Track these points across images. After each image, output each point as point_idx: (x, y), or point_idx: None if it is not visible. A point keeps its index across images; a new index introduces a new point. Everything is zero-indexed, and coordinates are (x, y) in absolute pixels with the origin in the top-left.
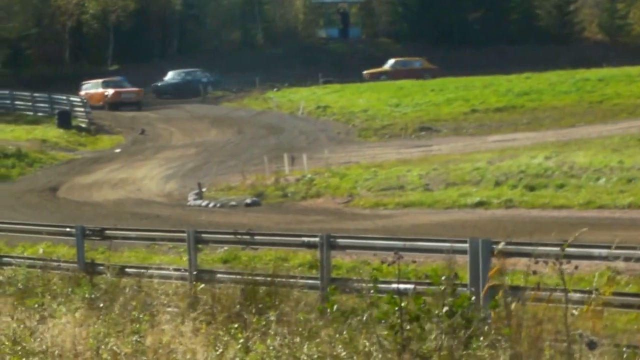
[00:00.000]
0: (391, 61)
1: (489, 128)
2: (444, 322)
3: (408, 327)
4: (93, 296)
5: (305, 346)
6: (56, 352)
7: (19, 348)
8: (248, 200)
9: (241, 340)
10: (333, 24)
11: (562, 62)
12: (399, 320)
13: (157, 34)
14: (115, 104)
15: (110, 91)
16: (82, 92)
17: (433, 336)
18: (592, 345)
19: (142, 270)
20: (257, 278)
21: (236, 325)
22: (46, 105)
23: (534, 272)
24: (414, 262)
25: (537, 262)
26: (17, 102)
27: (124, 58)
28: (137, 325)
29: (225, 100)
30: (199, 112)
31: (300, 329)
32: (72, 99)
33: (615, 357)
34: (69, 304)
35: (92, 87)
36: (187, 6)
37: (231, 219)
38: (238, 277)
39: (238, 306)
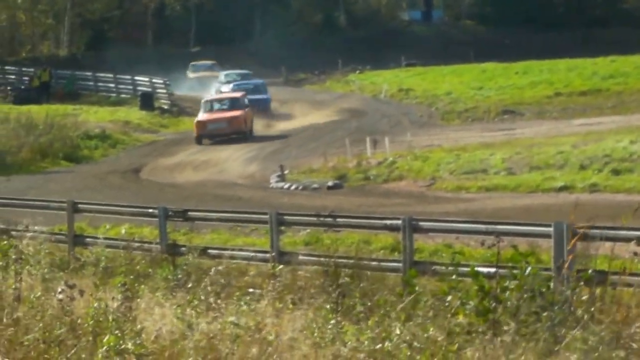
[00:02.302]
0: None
1: (573, 112)
2: (527, 303)
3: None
4: (176, 277)
5: (398, 328)
6: (148, 332)
7: (115, 328)
8: (330, 183)
9: (332, 322)
10: (416, 6)
11: None
12: (486, 303)
13: (240, 16)
14: (199, 137)
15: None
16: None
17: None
18: None
19: (225, 252)
20: (340, 260)
21: (328, 307)
22: (129, 87)
23: (635, 254)
24: (514, 246)
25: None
26: (100, 84)
27: (206, 40)
28: (230, 307)
29: (308, 83)
30: (281, 94)
31: (383, 311)
32: (154, 80)
33: None
34: (151, 285)
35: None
36: None
37: (313, 201)
38: (320, 259)
39: (323, 288)
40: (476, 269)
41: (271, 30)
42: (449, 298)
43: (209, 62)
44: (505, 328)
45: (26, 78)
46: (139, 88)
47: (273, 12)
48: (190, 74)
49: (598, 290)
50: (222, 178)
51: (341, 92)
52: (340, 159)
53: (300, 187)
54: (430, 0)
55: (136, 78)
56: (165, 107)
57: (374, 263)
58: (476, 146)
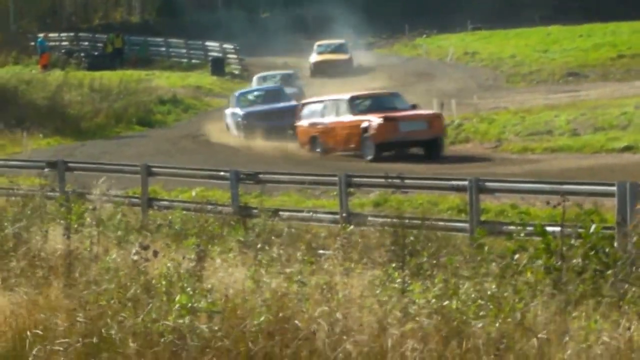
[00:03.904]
0: None
1: (637, 73)
2: (591, 261)
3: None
4: (247, 238)
5: (465, 285)
6: (219, 291)
7: (186, 286)
8: None
9: (398, 280)
10: None
11: None
12: (553, 261)
13: None
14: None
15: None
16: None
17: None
18: None
19: (297, 211)
20: (408, 221)
21: (394, 265)
22: (200, 52)
23: None
24: (579, 205)
25: None
26: (171, 50)
27: (276, 5)
28: (299, 266)
29: (376, 47)
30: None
31: (451, 269)
32: (225, 46)
33: None
34: (223, 246)
35: None
36: None
37: (381, 164)
38: (388, 220)
39: (390, 248)
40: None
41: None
42: (517, 257)
43: (337, 42)
44: (570, 286)
45: (99, 44)
46: (210, 53)
47: None
48: (314, 57)
49: None
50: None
51: (409, 55)
52: None
53: None
54: None
55: (207, 43)
56: (236, 72)
57: (441, 223)
58: (541, 108)
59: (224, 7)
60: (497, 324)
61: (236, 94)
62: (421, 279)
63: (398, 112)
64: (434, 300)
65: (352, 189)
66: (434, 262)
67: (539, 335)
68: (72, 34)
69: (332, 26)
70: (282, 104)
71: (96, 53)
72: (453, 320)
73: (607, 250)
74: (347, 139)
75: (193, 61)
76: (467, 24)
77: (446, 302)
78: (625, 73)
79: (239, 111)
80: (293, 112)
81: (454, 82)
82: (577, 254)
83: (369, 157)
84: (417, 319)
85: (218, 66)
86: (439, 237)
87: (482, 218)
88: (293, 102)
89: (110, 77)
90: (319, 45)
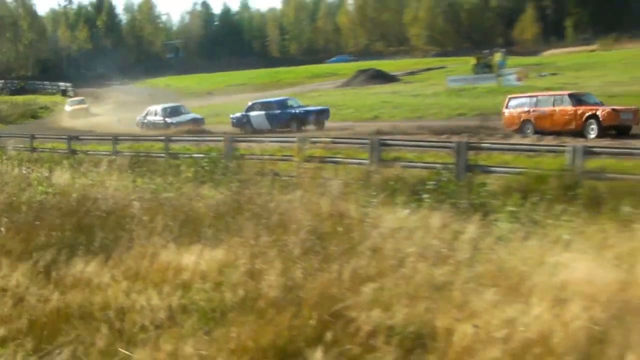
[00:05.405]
0: None
1: (235, 92)
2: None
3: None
4: (73, 163)
5: (159, 178)
6: (58, 184)
7: (44, 182)
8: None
9: (132, 177)
10: (173, 51)
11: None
12: (197, 168)
13: (102, 52)
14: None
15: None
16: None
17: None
18: (276, 174)
19: (95, 152)
20: (140, 154)
21: (130, 171)
22: (56, 87)
23: (249, 145)
24: (208, 145)
25: (263, 143)
26: (45, 86)
27: (93, 65)
28: (90, 173)
29: (132, 83)
30: (131, 91)
31: (159, 174)
32: (67, 84)
33: (284, 183)
34: (62, 166)
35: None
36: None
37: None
38: (132, 153)
39: (130, 165)
40: (194, 155)
41: (119, 64)
42: (182, 167)
43: (79, 98)
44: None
45: (15, 84)
46: (61, 87)
47: (119, 52)
48: (68, 107)
49: (240, 162)
50: (99, 124)
51: (148, 87)
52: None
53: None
54: (178, 49)
55: (59, 83)
56: (71, 94)
57: (154, 154)
58: (194, 108)
59: (69, 68)
60: (172, 194)
61: (272, 101)
62: (142, 176)
63: (618, 106)
64: (146, 186)
65: (118, 142)
66: (149, 170)
67: (190, 198)
68: (3, 80)
69: (115, 76)
70: (315, 107)
71: (13, 88)
72: (154, 193)
73: (216, 162)
74: (567, 123)
75: (53, 90)
76: (167, 72)
77: (151, 186)
78: (231, 92)
79: (291, 110)
80: (325, 113)
81: (165, 97)
82: (206, 166)
83: (593, 136)
84: (139, 194)
85: (64, 93)
86: (153, 160)
87: (171, 152)
88: (320, 107)
89: (19, 98)
90: (70, 101)
